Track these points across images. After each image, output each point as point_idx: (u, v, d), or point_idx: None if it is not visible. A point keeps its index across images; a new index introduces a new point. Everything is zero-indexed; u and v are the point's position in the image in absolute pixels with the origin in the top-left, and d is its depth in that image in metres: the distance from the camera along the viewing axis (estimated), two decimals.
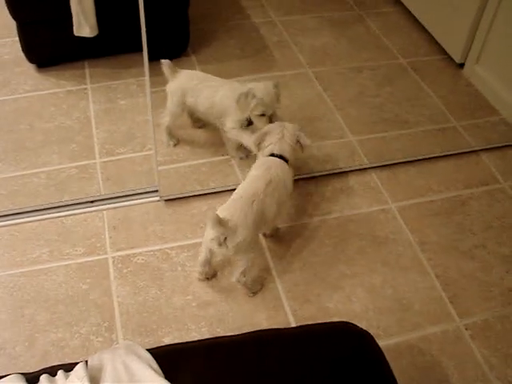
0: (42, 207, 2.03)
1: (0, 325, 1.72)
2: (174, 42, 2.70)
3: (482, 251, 2.00)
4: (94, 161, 2.22)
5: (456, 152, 2.34)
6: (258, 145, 1.95)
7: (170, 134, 2.30)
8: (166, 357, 1.06)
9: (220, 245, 1.65)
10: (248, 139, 2.10)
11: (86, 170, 2.18)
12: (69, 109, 2.44)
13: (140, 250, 1.93)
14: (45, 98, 2.48)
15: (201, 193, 2.12)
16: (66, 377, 1.04)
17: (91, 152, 2.25)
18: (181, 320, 1.76)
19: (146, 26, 2.50)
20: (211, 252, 1.76)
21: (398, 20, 3.08)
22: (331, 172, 2.23)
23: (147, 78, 1.83)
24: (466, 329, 1.78)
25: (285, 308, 1.80)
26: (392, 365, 1.20)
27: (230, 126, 2.14)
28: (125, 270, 1.87)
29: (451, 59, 2.76)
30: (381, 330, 1.76)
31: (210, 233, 1.65)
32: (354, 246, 1.99)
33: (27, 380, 1.07)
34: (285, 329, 1.15)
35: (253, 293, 1.82)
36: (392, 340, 1.74)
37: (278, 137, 1.91)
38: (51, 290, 1.81)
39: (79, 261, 1.89)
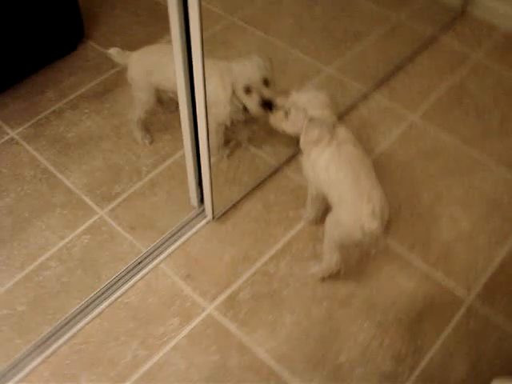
0: (87, 301, 1.54)
1: None
2: (67, 34, 2.19)
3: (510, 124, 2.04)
4: (98, 215, 1.72)
5: (420, 45, 2.30)
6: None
7: (144, 128, 1.93)
8: None
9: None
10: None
11: (95, 231, 1.69)
12: (14, 170, 1.83)
13: (236, 285, 1.59)
14: None
15: (243, 194, 1.80)
16: None
17: (86, 207, 1.74)
18: (339, 329, 1.51)
19: (33, 26, 1.95)
20: (344, 246, 1.51)
21: None
22: (343, 110, 2.04)
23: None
24: None
25: (411, 261, 1.65)
26: None
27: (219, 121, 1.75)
28: (240, 315, 1.53)
29: None
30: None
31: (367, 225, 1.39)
32: (418, 169, 1.88)
33: None
34: None
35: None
36: None
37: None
38: (185, 381, 1.42)
39: (184, 334, 1.50)
